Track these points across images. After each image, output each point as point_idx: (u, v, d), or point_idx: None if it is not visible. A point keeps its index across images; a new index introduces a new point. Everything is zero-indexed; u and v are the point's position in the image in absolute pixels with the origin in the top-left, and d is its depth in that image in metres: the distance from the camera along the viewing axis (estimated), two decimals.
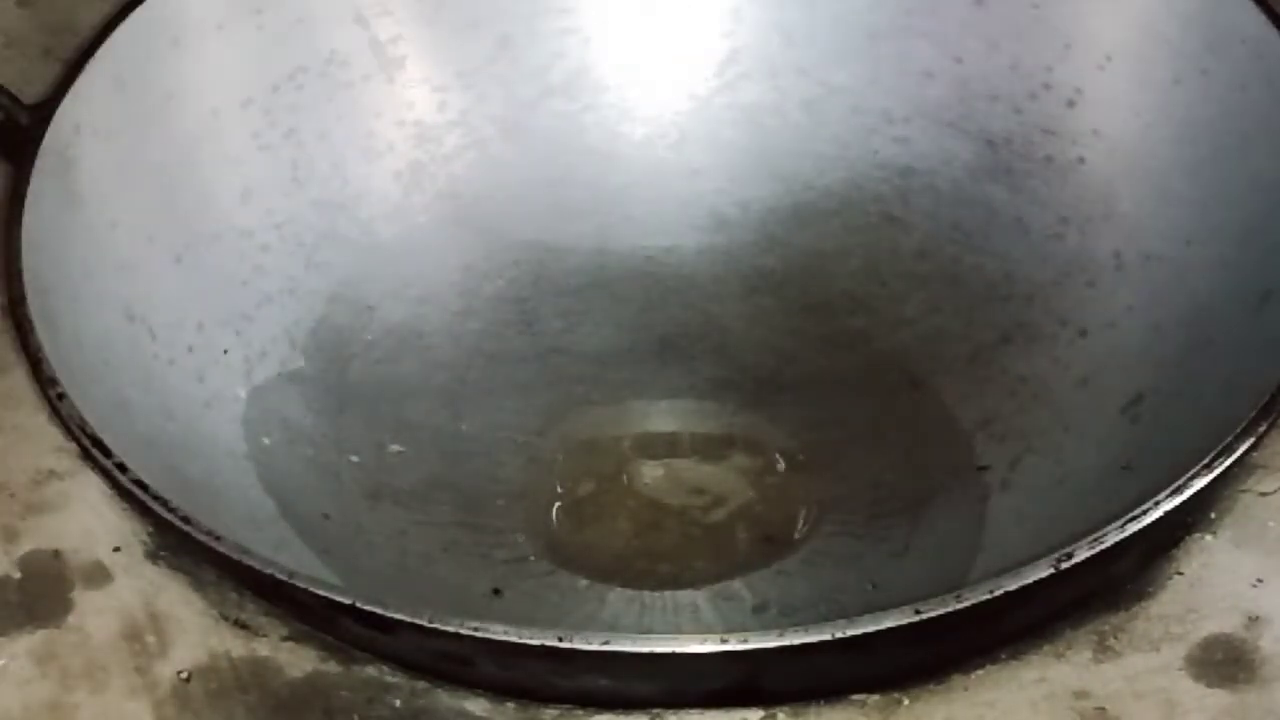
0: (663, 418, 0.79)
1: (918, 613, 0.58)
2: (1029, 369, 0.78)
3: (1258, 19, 0.75)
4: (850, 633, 0.58)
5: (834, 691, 0.63)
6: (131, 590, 0.66)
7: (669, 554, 0.73)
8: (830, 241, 0.83)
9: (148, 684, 0.63)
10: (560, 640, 0.59)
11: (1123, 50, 0.80)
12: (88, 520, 0.68)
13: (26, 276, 0.69)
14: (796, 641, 0.59)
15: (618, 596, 0.72)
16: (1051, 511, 0.70)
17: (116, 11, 0.78)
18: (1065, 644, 0.64)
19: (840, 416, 0.78)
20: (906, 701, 0.63)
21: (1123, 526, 0.61)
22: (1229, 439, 0.63)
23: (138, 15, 0.77)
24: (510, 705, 0.63)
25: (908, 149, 0.82)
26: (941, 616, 0.59)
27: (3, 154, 0.75)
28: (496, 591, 0.71)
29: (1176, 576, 0.66)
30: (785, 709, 0.63)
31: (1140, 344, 0.75)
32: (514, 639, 0.59)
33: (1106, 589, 0.65)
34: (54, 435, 0.69)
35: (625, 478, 0.76)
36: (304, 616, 0.65)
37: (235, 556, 0.61)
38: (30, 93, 0.76)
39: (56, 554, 0.67)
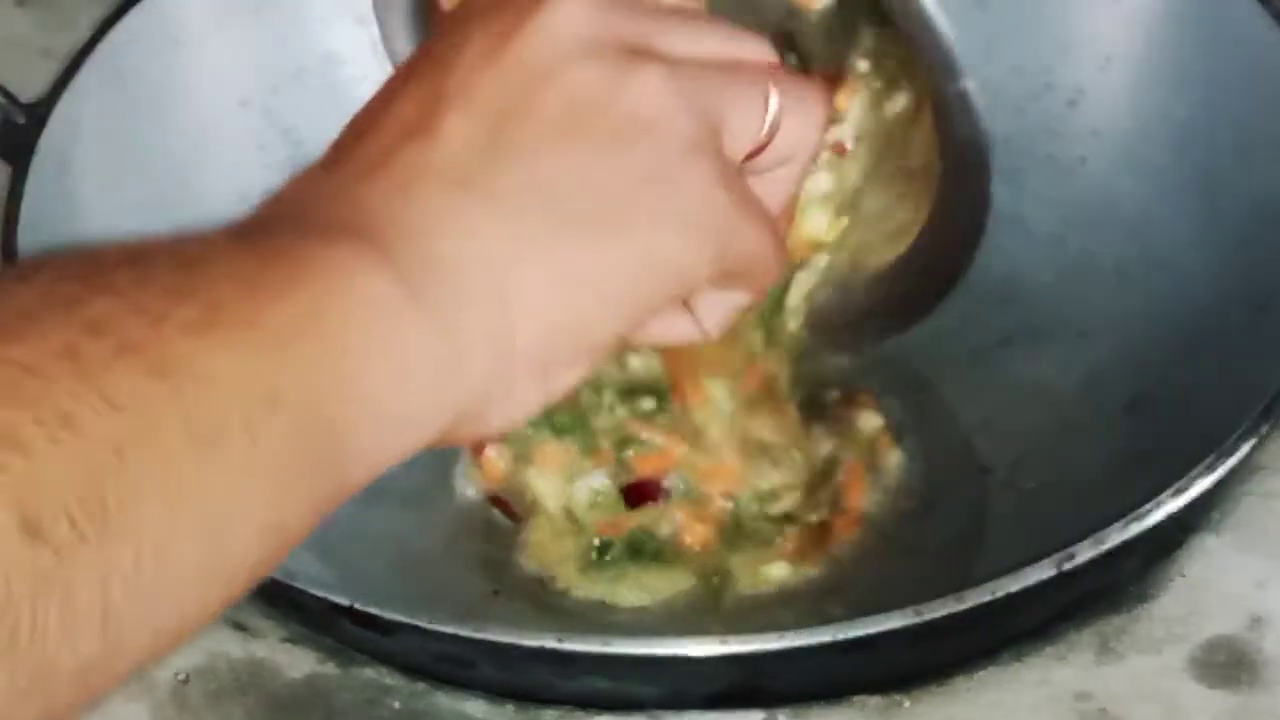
0: None
1: (918, 614, 0.58)
2: (1030, 369, 0.77)
3: (1259, 20, 0.74)
4: (851, 634, 0.58)
5: (835, 693, 0.63)
6: None
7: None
8: None
9: (146, 685, 0.63)
10: (560, 642, 0.59)
11: (1123, 50, 0.80)
12: None
13: None
14: (797, 643, 0.58)
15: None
16: (1053, 512, 0.70)
17: (115, 11, 0.78)
18: (1067, 645, 0.64)
19: None
20: (908, 703, 0.63)
21: (1125, 527, 0.61)
22: (1231, 440, 0.63)
23: (136, 14, 0.77)
24: (510, 707, 0.63)
25: None
26: (943, 617, 0.58)
27: (1, 154, 0.75)
28: (496, 592, 0.71)
29: (1179, 578, 0.66)
30: (786, 711, 0.63)
31: (1141, 345, 0.75)
32: (514, 640, 0.59)
33: (1109, 590, 0.65)
34: None
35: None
36: (303, 618, 0.65)
37: None
38: (29, 92, 0.75)
39: None
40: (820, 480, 0.73)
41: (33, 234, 0.70)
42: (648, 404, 0.74)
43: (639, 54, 0.45)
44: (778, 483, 0.72)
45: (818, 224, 0.65)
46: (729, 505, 0.72)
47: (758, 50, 0.49)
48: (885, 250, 0.65)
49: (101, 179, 0.75)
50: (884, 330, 0.62)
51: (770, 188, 0.49)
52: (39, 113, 0.74)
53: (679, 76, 0.44)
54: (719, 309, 0.51)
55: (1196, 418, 0.68)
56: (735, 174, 0.46)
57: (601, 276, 0.43)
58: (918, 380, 0.78)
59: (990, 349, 0.79)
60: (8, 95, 0.74)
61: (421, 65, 0.45)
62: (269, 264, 0.38)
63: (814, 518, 0.72)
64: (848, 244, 0.66)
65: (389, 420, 0.40)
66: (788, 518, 0.72)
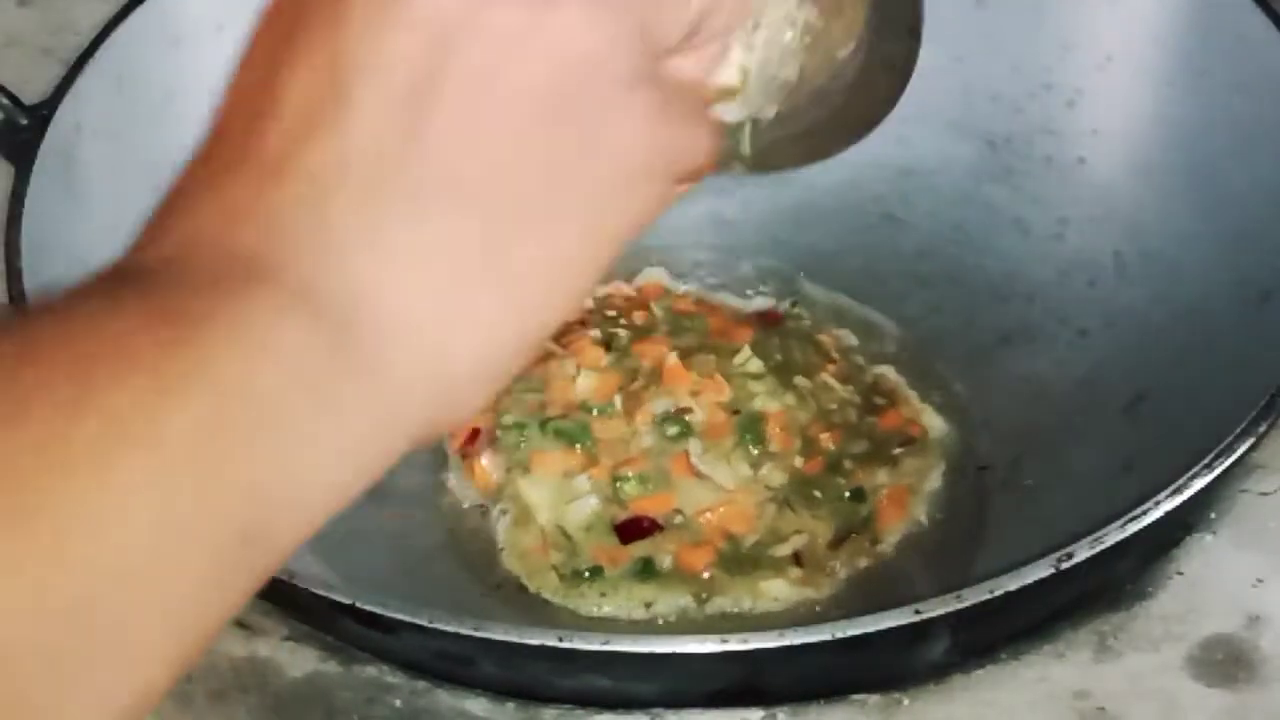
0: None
1: (918, 613, 0.58)
2: (1029, 369, 0.78)
3: (1258, 19, 0.75)
4: (850, 633, 0.58)
5: (834, 691, 0.63)
6: None
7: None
8: (830, 241, 0.83)
9: None
10: (560, 640, 0.59)
11: (1123, 50, 0.80)
12: None
13: (26, 276, 0.69)
14: (797, 641, 0.59)
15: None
16: (1051, 511, 0.70)
17: (117, 11, 0.78)
18: (1065, 644, 0.64)
19: None
20: (906, 701, 0.63)
21: (1123, 526, 0.61)
22: (1229, 439, 0.63)
23: (138, 15, 0.77)
24: (510, 705, 0.63)
25: (908, 149, 0.82)
26: (941, 616, 0.59)
27: (3, 154, 0.75)
28: (498, 587, 0.71)
29: (1177, 576, 0.66)
30: (785, 709, 0.63)
31: (1140, 344, 0.75)
32: (514, 639, 0.59)
33: (1107, 589, 0.65)
34: None
35: None
36: (304, 617, 0.65)
37: None
38: (30, 93, 0.76)
39: None
40: (845, 522, 0.72)
41: (36, 235, 0.70)
42: (672, 429, 0.74)
43: None
44: (790, 529, 0.72)
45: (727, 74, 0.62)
46: (730, 543, 0.71)
47: None
48: (821, 69, 0.62)
49: (104, 180, 0.75)
50: (836, 140, 0.60)
51: (699, 66, 0.43)
52: (42, 114, 0.74)
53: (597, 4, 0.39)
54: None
55: (1195, 416, 0.68)
56: (668, 82, 0.41)
57: (550, 265, 0.39)
58: (917, 378, 0.78)
59: (990, 348, 0.79)
60: (10, 97, 0.74)
61: (305, 15, 0.38)
62: (174, 345, 0.34)
63: (832, 566, 0.71)
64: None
65: (322, 491, 0.36)
66: (795, 557, 0.71)
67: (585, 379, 0.75)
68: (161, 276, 0.36)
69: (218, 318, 0.35)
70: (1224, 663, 0.63)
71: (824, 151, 0.60)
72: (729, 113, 0.57)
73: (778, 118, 0.57)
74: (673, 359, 0.75)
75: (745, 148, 0.57)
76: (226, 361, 0.34)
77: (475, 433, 0.75)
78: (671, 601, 0.70)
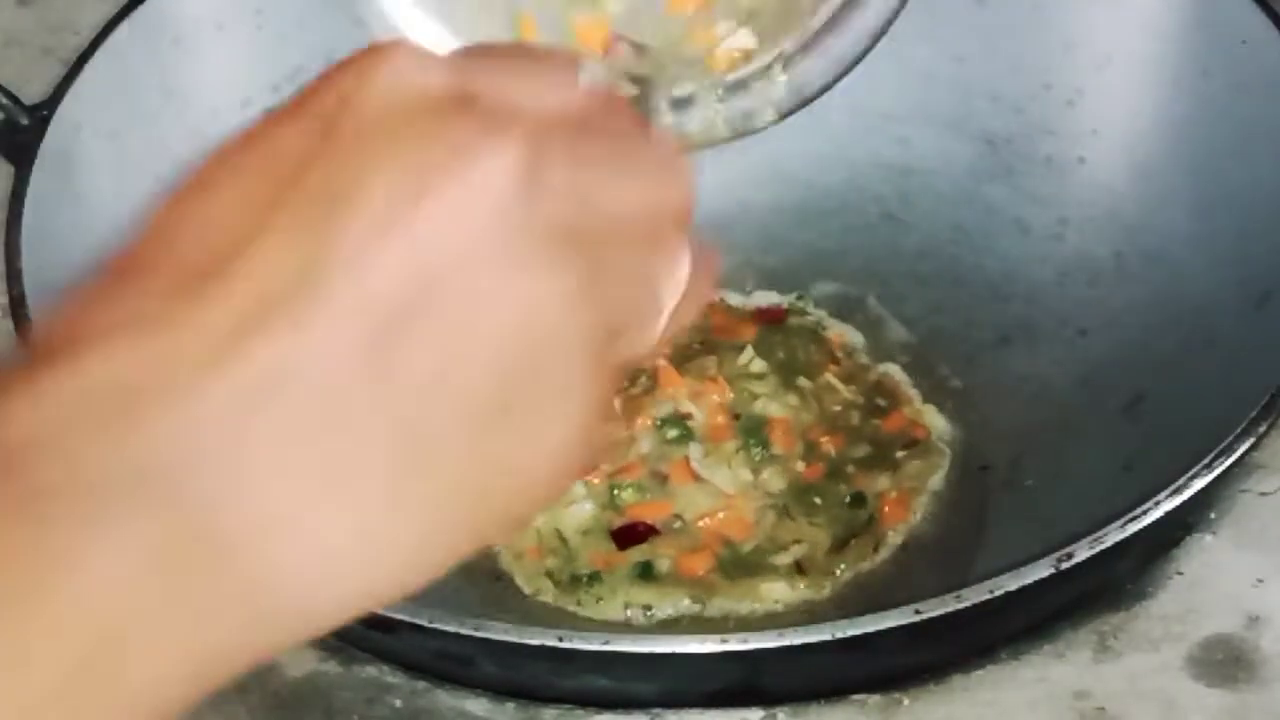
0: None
1: (918, 613, 0.59)
2: (1029, 369, 0.78)
3: (1258, 20, 0.75)
4: (850, 633, 0.58)
5: (834, 691, 0.63)
6: None
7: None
8: (830, 241, 0.83)
9: None
10: (560, 640, 0.59)
11: (1123, 50, 0.80)
12: None
13: (26, 276, 0.69)
14: (797, 641, 0.59)
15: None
16: (1051, 511, 0.70)
17: (117, 11, 0.78)
18: (1065, 644, 0.64)
19: None
20: (906, 701, 0.63)
21: (1123, 526, 0.61)
22: (1229, 439, 0.63)
23: (138, 15, 0.77)
24: (510, 705, 0.64)
25: (908, 149, 0.82)
26: (941, 616, 0.59)
27: (3, 154, 0.75)
28: (499, 578, 0.71)
29: (1176, 576, 0.66)
30: (785, 709, 0.63)
31: (1140, 344, 0.75)
32: (514, 639, 0.59)
33: (1107, 589, 0.65)
34: None
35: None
36: None
37: None
38: (30, 93, 0.76)
39: None
40: (844, 527, 0.72)
41: (35, 235, 0.70)
42: (673, 432, 0.74)
43: (561, 238, 0.37)
44: (789, 538, 0.71)
45: (742, 40, 0.61)
46: (728, 549, 0.71)
47: (678, 188, 0.40)
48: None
49: (104, 180, 0.75)
50: (860, 42, 0.60)
51: (633, 346, 0.41)
52: (41, 114, 0.74)
53: (594, 283, 0.37)
54: None
55: (1195, 416, 0.69)
56: (613, 374, 0.39)
57: (446, 527, 0.37)
58: (917, 379, 0.78)
59: (990, 348, 0.79)
60: (10, 96, 0.74)
61: (305, 177, 0.36)
62: (30, 574, 0.32)
63: (834, 569, 0.71)
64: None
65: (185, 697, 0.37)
66: (797, 565, 0.71)
67: None
68: (31, 469, 0.33)
69: (85, 545, 0.33)
70: (1224, 663, 0.63)
71: (853, 57, 0.59)
72: (753, 62, 0.57)
73: (802, 47, 0.57)
74: (663, 363, 0.75)
75: (779, 89, 0.57)
76: (86, 597, 0.33)
77: None
78: (671, 604, 0.70)
